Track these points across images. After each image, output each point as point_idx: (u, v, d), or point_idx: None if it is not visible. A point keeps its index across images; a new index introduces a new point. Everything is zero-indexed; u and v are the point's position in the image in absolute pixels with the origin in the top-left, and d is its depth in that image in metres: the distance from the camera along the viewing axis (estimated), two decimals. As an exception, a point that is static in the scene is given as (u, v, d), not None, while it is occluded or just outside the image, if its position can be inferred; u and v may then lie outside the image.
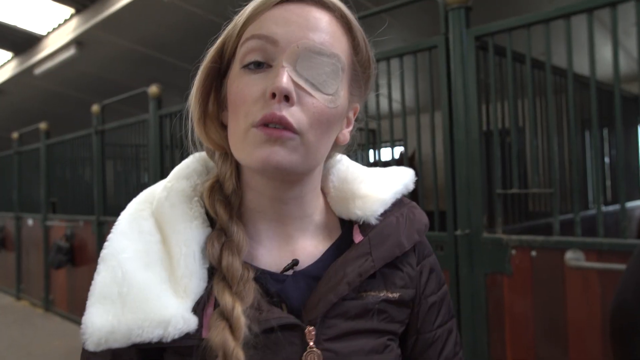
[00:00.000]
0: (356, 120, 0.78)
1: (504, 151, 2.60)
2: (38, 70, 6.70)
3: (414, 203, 0.81)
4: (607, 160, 3.75)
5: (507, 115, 2.42)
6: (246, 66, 0.63)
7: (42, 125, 6.55)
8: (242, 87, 0.62)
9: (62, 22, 5.93)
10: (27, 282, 7.04)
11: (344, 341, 0.66)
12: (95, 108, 5.23)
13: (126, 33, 5.36)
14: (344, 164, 0.81)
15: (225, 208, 0.68)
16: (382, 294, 0.70)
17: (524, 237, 2.21)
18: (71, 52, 5.93)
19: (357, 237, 0.73)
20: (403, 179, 0.81)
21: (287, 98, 0.59)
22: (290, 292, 0.67)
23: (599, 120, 2.13)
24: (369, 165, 3.23)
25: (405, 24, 4.57)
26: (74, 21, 5.67)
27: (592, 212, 3.14)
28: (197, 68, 0.70)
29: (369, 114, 3.08)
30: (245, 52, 0.63)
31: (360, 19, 2.52)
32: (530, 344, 2.20)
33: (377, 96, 2.85)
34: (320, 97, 0.62)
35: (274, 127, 0.59)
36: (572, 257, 2.03)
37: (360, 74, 0.71)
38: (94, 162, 5.32)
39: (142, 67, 6.18)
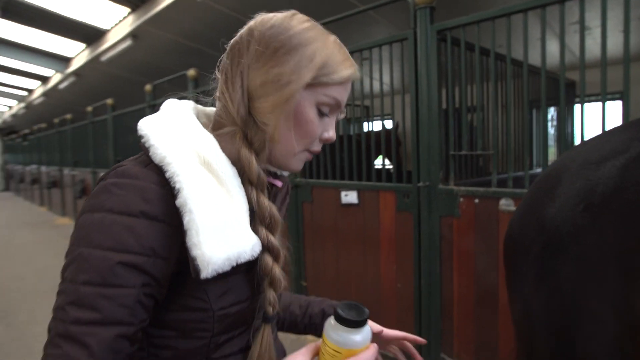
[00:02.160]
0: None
1: (459, 123, 2.60)
2: (104, 58, 6.68)
3: None
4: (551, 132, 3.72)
5: (462, 95, 2.41)
6: (320, 113, 0.68)
7: (109, 101, 6.55)
8: (315, 126, 0.68)
9: (121, 18, 5.86)
10: (101, 221, 7.22)
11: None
12: (147, 87, 5.22)
13: (170, 28, 5.30)
14: None
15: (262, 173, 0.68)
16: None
17: (470, 188, 2.24)
18: (128, 43, 5.88)
19: (279, 183, 0.76)
20: None
21: None
22: None
23: (528, 99, 2.10)
24: (363, 134, 3.27)
25: (390, 20, 4.47)
26: (130, 18, 5.61)
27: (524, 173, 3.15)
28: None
29: (365, 94, 3.07)
30: (323, 102, 0.67)
31: (350, 16, 2.45)
32: (471, 271, 2.26)
33: (370, 79, 2.82)
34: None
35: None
36: (504, 204, 2.07)
37: None
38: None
39: (184, 56, 6.12)
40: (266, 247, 0.64)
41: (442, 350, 2.41)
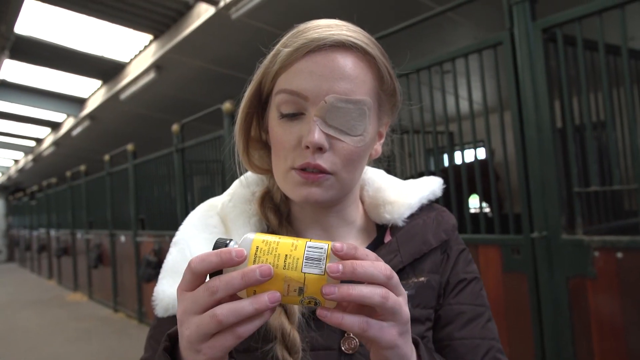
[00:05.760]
0: (393, 130, 0.85)
1: (583, 147, 2.49)
2: (123, 95, 7.18)
3: (443, 208, 0.86)
4: None
5: (583, 108, 2.32)
6: (283, 116, 0.70)
7: (129, 147, 6.97)
8: (281, 134, 0.70)
9: (142, 48, 6.33)
10: (122, 295, 7.53)
11: None
12: (175, 127, 5.48)
13: (200, 54, 5.64)
14: (375, 175, 0.88)
15: (275, 214, 0.78)
16: (410, 281, 0.76)
17: (608, 238, 2.11)
18: (151, 75, 6.31)
19: (387, 238, 0.80)
20: (430, 186, 0.87)
21: (319, 148, 0.67)
22: None
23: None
24: (445, 168, 3.22)
25: (476, 21, 4.49)
26: (153, 47, 6.05)
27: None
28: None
29: (444, 117, 3.06)
30: (280, 103, 0.70)
31: (425, 20, 2.50)
32: (623, 352, 2.09)
33: (456, 97, 2.82)
34: (349, 140, 0.68)
35: (311, 171, 0.68)
36: (661, 257, 1.92)
37: (386, 100, 0.76)
38: (175, 178, 5.57)
39: (217, 85, 6.45)
40: None
41: None
